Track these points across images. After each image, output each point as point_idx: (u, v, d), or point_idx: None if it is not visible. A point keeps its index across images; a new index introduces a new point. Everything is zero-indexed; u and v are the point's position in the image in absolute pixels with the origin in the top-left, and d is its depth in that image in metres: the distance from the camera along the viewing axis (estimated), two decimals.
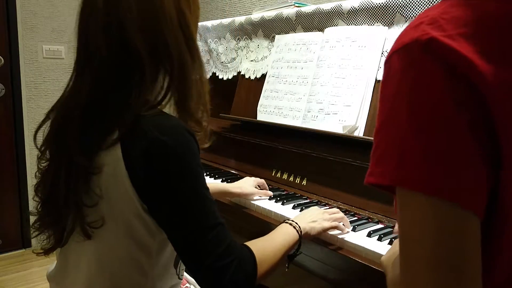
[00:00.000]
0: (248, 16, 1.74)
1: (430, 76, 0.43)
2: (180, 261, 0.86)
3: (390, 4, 1.23)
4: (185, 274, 1.01)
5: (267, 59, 1.65)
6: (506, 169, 0.43)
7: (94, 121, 0.73)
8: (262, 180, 1.32)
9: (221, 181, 1.47)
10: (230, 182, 1.40)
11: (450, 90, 0.42)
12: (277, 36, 1.61)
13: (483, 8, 0.45)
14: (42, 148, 0.80)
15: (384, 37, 1.24)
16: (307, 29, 1.51)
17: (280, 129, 1.46)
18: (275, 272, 0.83)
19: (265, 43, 1.68)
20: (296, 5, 1.63)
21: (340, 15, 1.38)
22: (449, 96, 0.42)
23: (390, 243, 0.95)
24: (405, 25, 1.21)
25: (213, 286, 0.73)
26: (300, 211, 1.16)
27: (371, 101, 1.24)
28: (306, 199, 1.28)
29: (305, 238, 0.94)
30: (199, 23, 2.08)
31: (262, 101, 1.58)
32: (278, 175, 1.42)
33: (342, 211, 1.14)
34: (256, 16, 1.69)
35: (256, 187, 1.28)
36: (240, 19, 1.76)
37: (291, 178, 1.38)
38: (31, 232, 0.84)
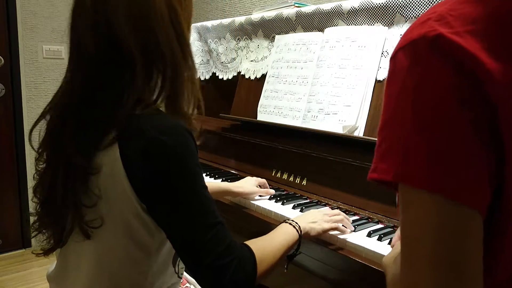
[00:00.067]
0: (248, 16, 1.74)
1: (437, 73, 0.43)
2: (179, 259, 0.85)
3: (390, 4, 1.23)
4: (185, 273, 1.01)
5: (267, 59, 1.65)
6: (509, 166, 0.43)
7: (88, 121, 0.73)
8: (264, 180, 1.32)
9: (221, 181, 1.47)
10: (231, 182, 1.40)
11: (456, 88, 0.42)
12: (277, 36, 1.61)
13: (491, 5, 0.45)
14: (40, 150, 0.80)
15: (384, 37, 1.24)
16: (307, 29, 1.51)
17: (280, 129, 1.46)
18: (275, 272, 0.83)
19: (265, 43, 1.68)
20: (296, 5, 1.63)
21: (340, 15, 1.38)
22: (454, 94, 0.42)
23: (390, 243, 0.95)
24: (405, 25, 1.21)
25: (213, 286, 0.73)
26: (300, 211, 1.17)
27: (371, 101, 1.24)
28: (306, 199, 1.28)
29: (305, 238, 0.94)
30: (199, 23, 2.09)
31: (262, 101, 1.58)
32: (278, 175, 1.42)
33: (342, 211, 1.14)
34: (256, 16, 1.69)
35: (257, 187, 1.29)
36: (240, 19, 1.76)
37: (291, 178, 1.38)
38: (31, 232, 0.84)
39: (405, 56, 0.46)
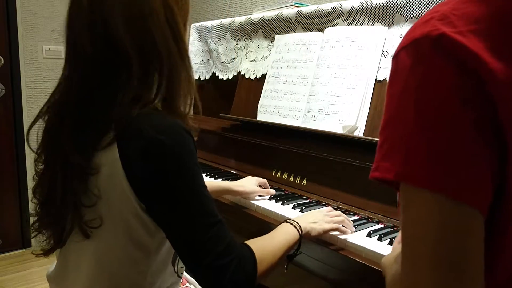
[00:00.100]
0: (248, 16, 1.74)
1: (439, 72, 0.43)
2: (178, 258, 0.85)
3: (390, 4, 1.23)
4: (185, 273, 1.01)
5: (267, 59, 1.65)
6: (511, 165, 0.43)
7: (85, 120, 0.73)
8: (264, 180, 1.32)
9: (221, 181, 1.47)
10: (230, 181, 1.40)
11: (458, 87, 0.42)
12: (277, 36, 1.61)
13: (494, 4, 0.45)
14: (39, 151, 0.80)
15: (384, 37, 1.24)
16: (307, 29, 1.51)
17: (280, 129, 1.46)
18: (274, 272, 0.83)
19: (265, 43, 1.68)
20: (296, 5, 1.63)
21: (340, 15, 1.38)
22: (456, 94, 0.42)
23: (390, 243, 0.95)
24: (405, 25, 1.21)
25: (213, 286, 0.73)
26: (300, 211, 1.17)
27: (371, 101, 1.24)
28: (306, 199, 1.28)
29: (305, 238, 0.94)
30: (199, 23, 2.08)
31: (262, 101, 1.58)
32: (278, 175, 1.42)
33: (342, 211, 1.14)
34: (256, 16, 1.69)
35: (258, 186, 1.28)
36: (240, 19, 1.76)
37: (291, 178, 1.38)
38: (31, 232, 0.84)
39: (408, 55, 0.46)
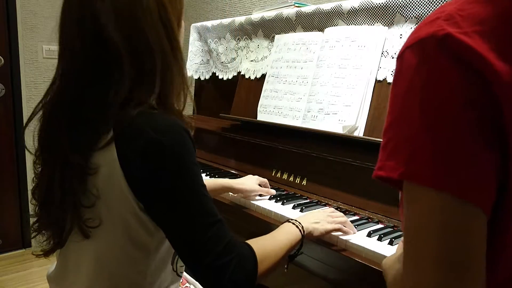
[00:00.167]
0: (248, 16, 1.74)
1: (444, 72, 0.43)
2: (177, 258, 0.85)
3: (390, 4, 1.23)
4: (184, 273, 1.01)
5: (267, 59, 1.65)
6: None
7: (80, 119, 0.73)
8: (265, 180, 1.32)
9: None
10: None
11: (463, 88, 0.43)
12: (276, 36, 1.61)
13: (500, 5, 0.45)
14: (37, 153, 0.80)
15: (384, 37, 1.24)
16: (307, 29, 1.51)
17: (280, 129, 1.46)
18: (275, 272, 0.83)
19: (265, 43, 1.68)
20: (296, 5, 1.63)
21: (340, 15, 1.38)
22: (461, 94, 0.43)
23: (390, 243, 0.95)
24: (405, 25, 1.21)
25: (213, 285, 0.73)
26: (300, 211, 1.17)
27: (371, 101, 1.24)
28: (306, 199, 1.28)
29: (307, 239, 0.93)
30: (199, 23, 2.08)
31: (262, 101, 1.58)
32: (278, 175, 1.42)
33: (342, 211, 1.14)
34: (256, 16, 1.69)
35: (258, 185, 1.28)
36: (240, 19, 1.76)
37: (291, 178, 1.38)
38: (31, 233, 0.83)
39: (413, 55, 0.46)
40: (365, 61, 1.25)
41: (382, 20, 1.26)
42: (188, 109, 0.85)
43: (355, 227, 1.03)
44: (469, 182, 0.43)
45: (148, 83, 0.73)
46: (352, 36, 1.31)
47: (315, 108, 1.35)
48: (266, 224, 1.17)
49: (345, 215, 1.06)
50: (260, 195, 1.28)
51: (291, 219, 0.95)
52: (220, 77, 1.90)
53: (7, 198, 2.66)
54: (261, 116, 1.56)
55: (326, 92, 1.33)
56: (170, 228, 0.73)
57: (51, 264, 0.90)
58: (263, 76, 1.63)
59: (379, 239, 0.98)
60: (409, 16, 1.19)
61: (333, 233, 1.01)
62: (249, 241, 0.80)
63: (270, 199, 1.27)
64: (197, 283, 1.02)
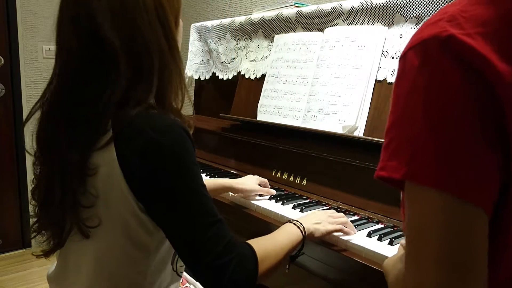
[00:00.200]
0: (248, 16, 1.74)
1: (447, 73, 0.44)
2: (177, 257, 0.85)
3: (390, 4, 1.23)
4: (184, 273, 1.01)
5: (267, 59, 1.65)
6: None
7: (79, 120, 0.72)
8: (265, 180, 1.32)
9: None
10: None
11: (465, 89, 0.43)
12: (276, 36, 1.61)
13: (503, 7, 0.45)
14: (37, 154, 0.79)
15: (384, 37, 1.24)
16: (307, 29, 1.51)
17: (280, 129, 1.46)
18: (276, 272, 0.83)
19: (265, 43, 1.68)
20: (296, 5, 1.63)
21: (340, 15, 1.38)
22: (463, 95, 0.43)
23: (390, 243, 0.95)
24: (405, 25, 1.21)
25: (213, 285, 0.73)
26: (300, 211, 1.17)
27: (371, 101, 1.24)
28: (306, 199, 1.28)
29: (308, 239, 0.93)
30: (199, 23, 2.08)
31: (262, 101, 1.58)
32: (278, 175, 1.42)
33: (342, 211, 1.14)
34: (256, 16, 1.69)
35: (258, 185, 1.28)
36: (240, 19, 1.76)
37: (291, 178, 1.38)
38: (31, 233, 0.83)
39: (416, 56, 0.47)
40: (365, 61, 1.25)
41: (382, 20, 1.26)
42: (188, 110, 0.85)
43: (355, 227, 1.03)
44: (471, 183, 0.43)
45: (146, 82, 0.73)
46: (352, 36, 1.31)
47: (315, 108, 1.35)
48: (266, 224, 1.17)
49: (345, 215, 1.06)
50: (260, 195, 1.28)
51: (292, 220, 0.95)
52: (220, 77, 1.90)
53: (7, 198, 2.66)
54: (261, 116, 1.56)
55: (326, 92, 1.33)
56: (170, 228, 0.73)
57: (51, 264, 0.90)
58: (263, 76, 1.63)
59: (379, 239, 0.98)
60: (409, 16, 1.19)
61: (333, 233, 1.01)
62: (250, 241, 0.80)
63: (270, 199, 1.27)
64: (197, 283, 1.02)
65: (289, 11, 1.56)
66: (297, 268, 1.07)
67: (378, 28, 1.26)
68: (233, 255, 0.73)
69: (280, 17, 1.59)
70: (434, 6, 1.13)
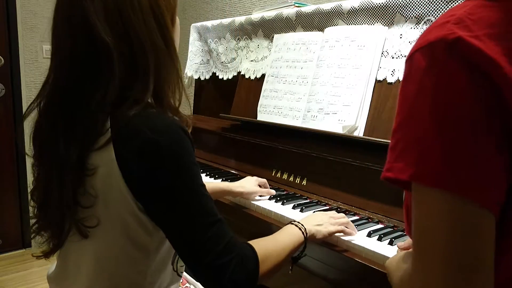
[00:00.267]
0: (248, 16, 1.74)
1: (454, 75, 0.44)
2: (177, 257, 0.85)
3: (390, 4, 1.23)
4: (185, 273, 1.01)
5: (267, 59, 1.65)
6: None
7: (75, 119, 0.72)
8: (264, 180, 1.32)
9: (221, 181, 1.47)
10: (231, 182, 1.40)
11: (472, 91, 0.43)
12: (275, 36, 1.61)
13: (510, 9, 0.45)
14: (35, 155, 0.79)
15: (384, 37, 1.24)
16: (307, 29, 1.51)
17: (280, 129, 1.46)
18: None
19: (265, 43, 1.67)
20: (296, 5, 1.63)
21: (340, 15, 1.38)
22: (470, 97, 0.43)
23: (390, 243, 0.95)
24: (405, 25, 1.21)
25: (213, 285, 0.73)
26: (300, 211, 1.17)
27: (371, 101, 1.24)
28: (306, 199, 1.28)
29: (310, 241, 0.93)
30: (199, 23, 2.08)
31: (261, 101, 1.58)
32: (278, 175, 1.42)
33: (342, 211, 1.14)
34: (256, 16, 1.69)
35: (258, 187, 1.28)
36: (240, 19, 1.76)
37: (291, 178, 1.38)
38: (31, 233, 0.83)
39: (423, 57, 0.47)
40: (365, 61, 1.25)
41: (382, 20, 1.26)
42: (187, 110, 0.85)
43: (355, 227, 1.03)
44: (478, 184, 0.43)
45: (142, 81, 0.73)
46: (352, 36, 1.31)
47: (315, 108, 1.35)
48: (266, 224, 1.17)
49: (345, 215, 1.06)
50: (260, 196, 1.28)
51: (294, 221, 0.95)
52: (220, 77, 1.90)
53: (7, 198, 2.66)
54: (261, 116, 1.56)
55: (326, 92, 1.33)
56: (169, 228, 0.73)
57: (51, 264, 0.90)
58: (263, 76, 1.62)
59: (379, 239, 0.98)
60: (409, 16, 1.19)
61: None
62: (251, 242, 0.80)
63: (270, 199, 1.27)
64: (197, 283, 1.02)
65: (289, 11, 1.56)
66: (297, 268, 1.07)
67: (378, 28, 1.26)
68: (233, 255, 0.72)
69: (280, 17, 1.59)
70: (434, 6, 1.13)
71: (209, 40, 1.95)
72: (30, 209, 0.82)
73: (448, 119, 0.44)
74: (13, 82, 2.57)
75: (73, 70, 0.72)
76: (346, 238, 1.00)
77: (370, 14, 1.29)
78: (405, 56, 1.18)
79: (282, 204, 1.22)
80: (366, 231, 1.02)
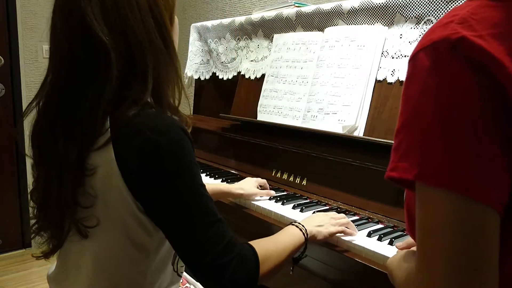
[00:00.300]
0: (248, 16, 1.74)
1: (457, 75, 0.44)
2: (177, 258, 0.85)
3: (390, 4, 1.23)
4: (185, 273, 1.01)
5: (267, 59, 1.65)
6: None
7: (74, 119, 0.72)
8: (264, 180, 1.32)
9: (221, 181, 1.47)
10: (230, 182, 1.39)
11: (476, 91, 0.43)
12: (275, 35, 1.61)
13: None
14: (35, 155, 0.79)
15: (384, 37, 1.24)
16: (307, 29, 1.51)
17: (280, 129, 1.46)
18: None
19: (265, 43, 1.67)
20: (296, 5, 1.63)
21: (340, 15, 1.38)
22: (474, 97, 0.43)
23: (390, 243, 0.95)
24: (405, 25, 1.20)
25: (213, 285, 0.73)
26: (300, 211, 1.17)
27: (371, 101, 1.24)
28: (306, 199, 1.28)
29: (311, 242, 0.93)
30: (199, 23, 2.08)
31: (261, 101, 1.58)
32: (278, 175, 1.42)
33: (342, 211, 1.14)
34: (256, 16, 1.69)
35: (257, 187, 1.28)
36: (240, 19, 1.76)
37: (291, 178, 1.38)
38: (31, 234, 0.83)
39: (426, 57, 0.47)
40: (365, 61, 1.25)
41: (382, 20, 1.26)
42: (187, 110, 0.85)
43: (355, 227, 1.03)
44: (482, 183, 0.43)
45: (141, 80, 0.72)
46: (352, 36, 1.31)
47: (315, 108, 1.35)
48: (266, 224, 1.17)
49: (345, 215, 1.06)
50: (260, 196, 1.28)
51: (295, 222, 0.95)
52: (220, 77, 1.90)
53: (7, 198, 2.66)
54: (261, 116, 1.56)
55: (326, 92, 1.33)
56: (169, 228, 0.73)
57: (51, 264, 0.90)
58: (263, 76, 1.62)
59: (379, 239, 0.98)
60: (409, 16, 1.19)
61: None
62: (251, 242, 0.80)
63: (270, 199, 1.27)
64: (197, 283, 1.02)
65: (289, 11, 1.56)
66: (298, 268, 1.07)
67: (378, 28, 1.26)
68: (233, 255, 0.72)
69: (280, 17, 1.59)
70: (434, 6, 1.13)
71: (209, 40, 1.95)
72: (30, 209, 0.82)
73: (452, 119, 0.44)
74: (13, 82, 2.57)
75: (71, 70, 0.72)
76: (346, 238, 1.00)
77: (370, 14, 1.29)
78: (405, 56, 1.18)
79: (282, 204, 1.22)
80: (366, 231, 1.02)
